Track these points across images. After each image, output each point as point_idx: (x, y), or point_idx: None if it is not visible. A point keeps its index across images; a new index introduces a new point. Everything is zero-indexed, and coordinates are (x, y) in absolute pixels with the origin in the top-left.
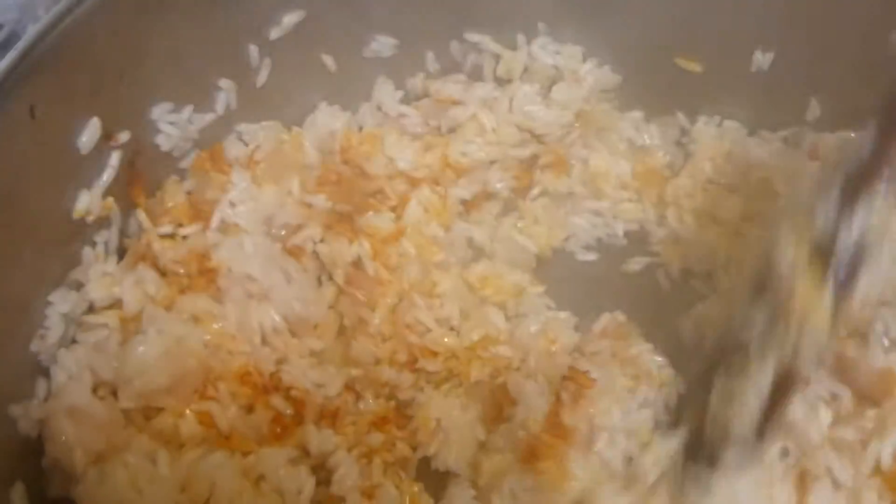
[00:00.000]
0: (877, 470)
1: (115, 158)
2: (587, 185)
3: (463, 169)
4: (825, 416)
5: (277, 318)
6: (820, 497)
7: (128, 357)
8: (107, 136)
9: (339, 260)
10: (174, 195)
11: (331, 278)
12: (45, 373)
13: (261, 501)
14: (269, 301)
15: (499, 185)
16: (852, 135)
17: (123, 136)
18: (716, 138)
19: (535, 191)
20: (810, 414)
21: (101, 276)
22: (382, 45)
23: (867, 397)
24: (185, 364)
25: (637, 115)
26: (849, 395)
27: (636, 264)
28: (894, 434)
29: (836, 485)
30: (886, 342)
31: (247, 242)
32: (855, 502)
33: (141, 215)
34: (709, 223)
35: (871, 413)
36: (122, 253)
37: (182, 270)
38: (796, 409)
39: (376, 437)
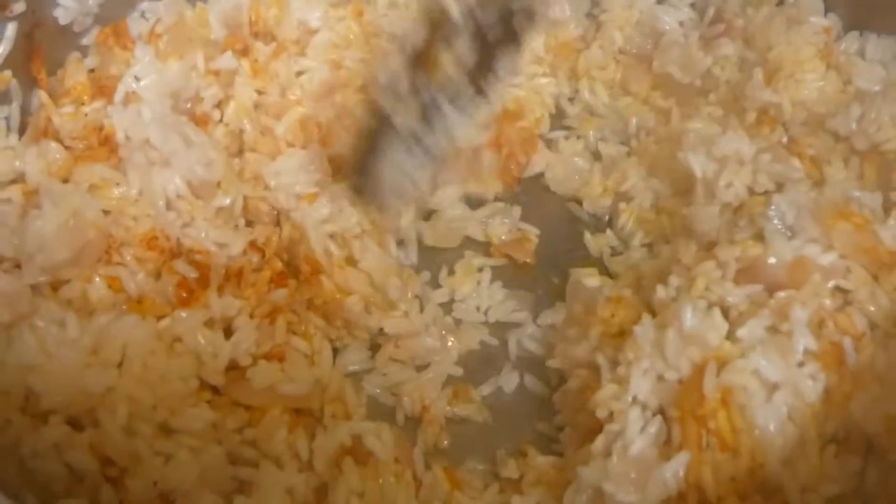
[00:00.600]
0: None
1: (10, 30)
2: None
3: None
4: (720, 321)
5: (179, 182)
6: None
7: (26, 233)
8: (2, 5)
9: None
10: (75, 73)
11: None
12: None
13: (175, 363)
14: (171, 167)
15: None
16: None
17: (18, 7)
18: (625, 7)
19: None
20: (706, 321)
21: (2, 150)
22: None
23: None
24: (85, 234)
25: None
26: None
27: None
28: (811, 306)
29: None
30: (785, 230)
31: (144, 111)
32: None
33: (42, 95)
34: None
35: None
36: (23, 130)
37: (82, 145)
38: (690, 317)
39: (279, 294)
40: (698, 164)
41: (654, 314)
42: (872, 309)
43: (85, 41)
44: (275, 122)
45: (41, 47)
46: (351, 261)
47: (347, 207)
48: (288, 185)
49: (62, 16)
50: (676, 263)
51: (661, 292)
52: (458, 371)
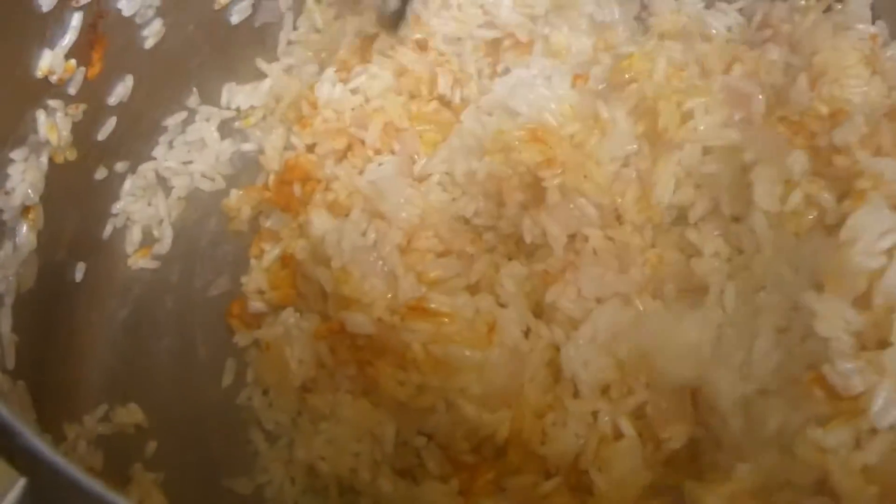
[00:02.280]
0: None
1: (76, 20)
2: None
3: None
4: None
5: None
6: None
7: None
8: None
9: None
10: None
11: None
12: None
13: None
14: None
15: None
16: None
17: None
18: (673, 11)
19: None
20: None
21: None
22: None
23: None
24: None
25: None
26: None
27: None
28: None
29: None
30: None
31: None
32: None
33: None
34: None
35: None
36: None
37: None
38: None
39: None
40: None
41: None
42: None
43: (146, 32)
44: None
45: (104, 38)
46: None
47: None
48: None
49: (125, 7)
50: None
51: None
52: None
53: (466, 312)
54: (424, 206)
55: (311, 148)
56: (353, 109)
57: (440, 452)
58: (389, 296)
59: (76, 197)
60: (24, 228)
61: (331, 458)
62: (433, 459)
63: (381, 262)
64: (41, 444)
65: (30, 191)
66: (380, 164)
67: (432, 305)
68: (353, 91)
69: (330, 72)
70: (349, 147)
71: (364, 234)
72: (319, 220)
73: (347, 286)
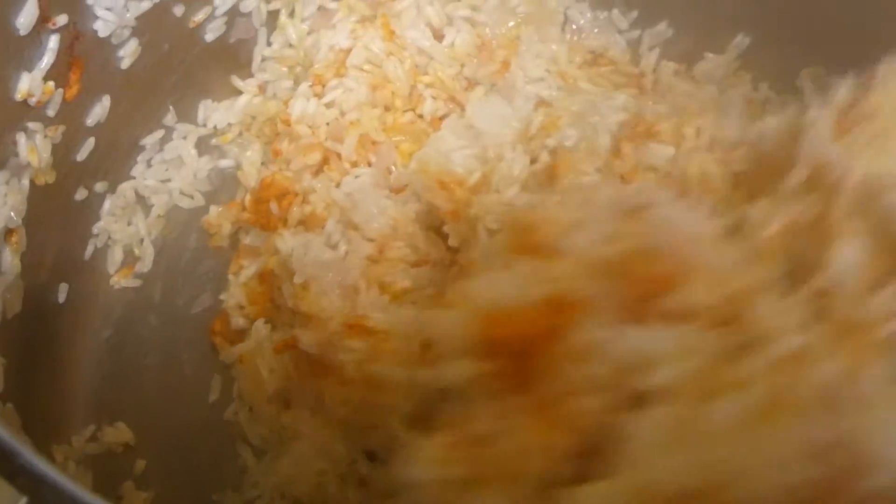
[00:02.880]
0: None
1: (53, 42)
2: None
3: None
4: None
5: None
6: None
7: None
8: (44, 18)
9: None
10: None
11: None
12: None
13: None
14: None
15: None
16: None
17: (61, 20)
18: None
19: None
20: None
21: None
22: None
23: None
24: None
25: None
26: None
27: None
28: None
29: None
30: None
31: None
32: None
33: None
34: None
35: None
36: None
37: None
38: None
39: None
40: None
41: None
42: None
43: (121, 53)
44: None
45: (81, 60)
46: None
47: None
48: None
49: (101, 28)
50: None
51: None
52: None
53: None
54: (399, 216)
55: (287, 164)
56: (327, 124)
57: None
58: (346, 311)
59: (57, 218)
60: (8, 253)
61: (296, 478)
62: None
63: (342, 277)
64: (42, 464)
65: (12, 213)
66: (356, 177)
67: (370, 323)
68: (328, 105)
69: (304, 87)
70: (325, 160)
71: (336, 246)
72: (289, 235)
73: (305, 302)
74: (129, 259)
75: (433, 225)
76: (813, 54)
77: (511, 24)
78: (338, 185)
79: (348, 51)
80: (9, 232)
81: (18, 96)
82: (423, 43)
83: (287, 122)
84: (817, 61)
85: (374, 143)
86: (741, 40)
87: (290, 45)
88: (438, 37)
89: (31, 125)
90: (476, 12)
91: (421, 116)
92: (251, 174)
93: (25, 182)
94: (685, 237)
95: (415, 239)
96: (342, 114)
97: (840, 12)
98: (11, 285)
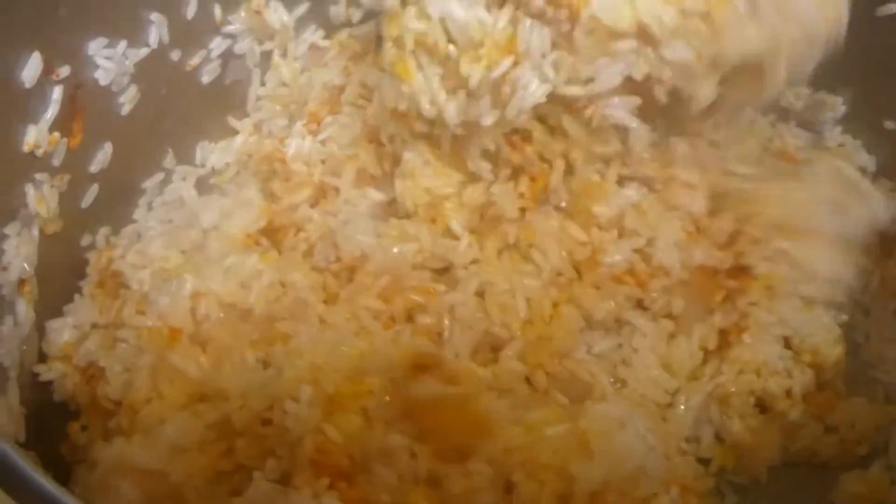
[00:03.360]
0: None
1: (57, 93)
2: None
3: None
4: None
5: None
6: None
7: None
8: (48, 70)
9: None
10: None
11: None
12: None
13: None
14: None
15: None
16: None
17: (64, 71)
18: None
19: None
20: None
21: None
22: None
23: None
24: None
25: None
26: None
27: None
28: None
29: None
30: None
31: None
32: None
33: None
34: None
35: None
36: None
37: None
38: None
39: None
40: None
41: None
42: None
43: (122, 99)
44: None
45: (83, 108)
46: None
47: None
48: None
49: (102, 76)
50: None
51: None
52: None
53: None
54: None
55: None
56: (323, 161)
57: None
58: None
59: (65, 264)
60: (22, 303)
61: None
62: None
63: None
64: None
65: (25, 264)
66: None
67: None
68: (324, 142)
69: (299, 125)
70: (323, 194)
71: None
72: None
73: None
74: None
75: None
76: None
77: None
78: (335, 216)
79: (342, 87)
80: (21, 283)
81: (26, 148)
82: None
83: (283, 161)
84: None
85: (372, 177)
86: None
87: (284, 84)
88: None
89: (39, 176)
90: None
91: None
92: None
93: (35, 232)
94: None
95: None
96: (339, 148)
97: None
98: (28, 336)
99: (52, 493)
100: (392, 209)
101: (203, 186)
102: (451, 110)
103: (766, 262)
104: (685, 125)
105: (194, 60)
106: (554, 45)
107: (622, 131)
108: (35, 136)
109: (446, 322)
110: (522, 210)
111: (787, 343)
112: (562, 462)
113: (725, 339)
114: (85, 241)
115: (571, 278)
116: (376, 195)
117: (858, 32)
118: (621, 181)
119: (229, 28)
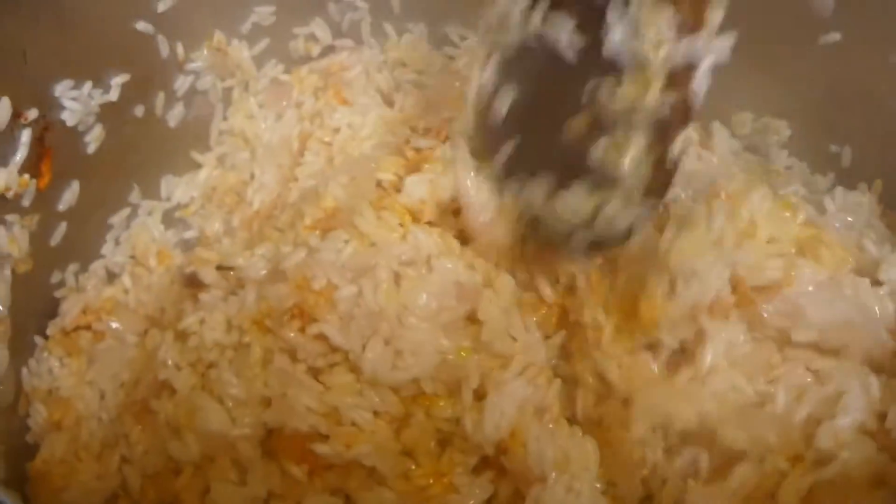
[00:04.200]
0: None
1: (26, 136)
2: None
3: None
4: None
5: None
6: None
7: None
8: (16, 114)
9: None
10: None
11: None
12: None
13: None
14: None
15: None
16: None
17: (32, 114)
18: None
19: None
20: None
21: None
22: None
23: None
24: None
25: None
26: None
27: None
28: None
29: None
30: None
31: None
32: None
33: None
34: None
35: None
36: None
37: None
38: None
39: None
40: None
41: None
42: None
43: (87, 138)
44: None
45: (50, 150)
46: None
47: None
48: None
49: (69, 118)
50: None
51: None
52: None
53: None
54: None
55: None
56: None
57: None
58: None
59: (35, 303)
60: None
61: None
62: None
63: None
64: None
65: None
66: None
67: None
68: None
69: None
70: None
71: None
72: None
73: None
74: None
75: None
76: None
77: (457, 84)
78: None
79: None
80: None
81: None
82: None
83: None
84: None
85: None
86: None
87: (247, 118)
88: (389, 102)
89: (9, 217)
90: (422, 76)
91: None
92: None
93: (7, 272)
94: None
95: None
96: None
97: None
98: (3, 377)
99: None
100: None
101: (168, 219)
102: None
103: None
104: None
105: (158, 98)
106: None
107: None
108: (6, 179)
109: None
110: None
111: None
112: None
113: None
114: (55, 278)
115: None
116: None
117: (802, 59)
118: None
119: (192, 65)
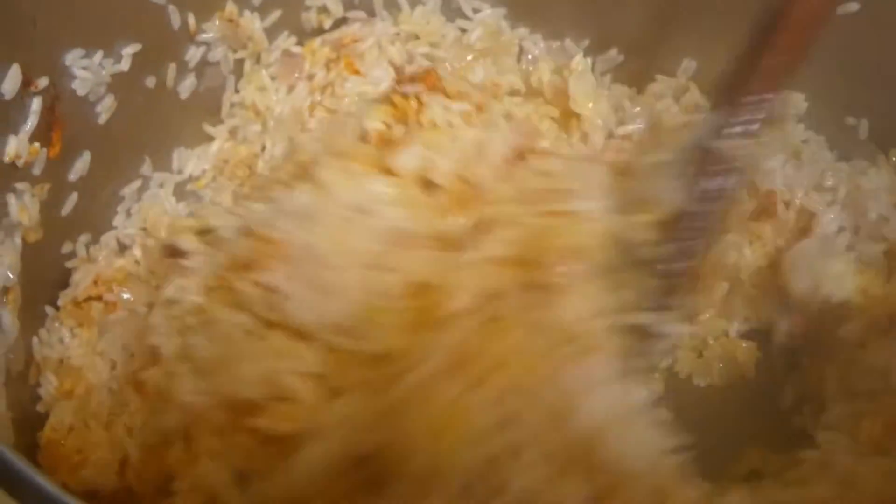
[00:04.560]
0: None
1: (36, 104)
2: None
3: None
4: None
5: None
6: None
7: None
8: (27, 81)
9: None
10: None
11: None
12: None
13: None
14: None
15: None
16: None
17: (42, 82)
18: None
19: None
20: None
21: None
22: None
23: None
24: None
25: None
26: None
27: None
28: None
29: None
30: None
31: None
32: None
33: None
34: None
35: None
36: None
37: None
38: None
39: None
40: None
41: None
42: None
43: (98, 108)
44: None
45: (61, 118)
46: None
47: None
48: None
49: (80, 87)
50: None
51: None
52: None
53: None
54: None
55: None
56: None
57: None
58: None
59: (46, 273)
60: (7, 312)
61: None
62: None
63: None
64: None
65: (8, 272)
66: None
67: None
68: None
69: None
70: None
71: None
72: None
73: None
74: None
75: None
76: None
77: (469, 57)
78: None
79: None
80: (5, 291)
81: (7, 159)
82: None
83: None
84: None
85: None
86: (688, 64)
87: (258, 90)
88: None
89: (20, 185)
90: (435, 49)
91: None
92: None
93: (18, 241)
94: None
95: None
96: None
97: None
98: (13, 346)
99: (53, 493)
100: None
101: (180, 192)
102: None
103: None
104: None
105: (170, 69)
106: None
107: None
108: (16, 147)
109: None
110: None
111: None
112: None
113: None
114: (66, 248)
115: None
116: None
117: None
118: None
119: (203, 36)
